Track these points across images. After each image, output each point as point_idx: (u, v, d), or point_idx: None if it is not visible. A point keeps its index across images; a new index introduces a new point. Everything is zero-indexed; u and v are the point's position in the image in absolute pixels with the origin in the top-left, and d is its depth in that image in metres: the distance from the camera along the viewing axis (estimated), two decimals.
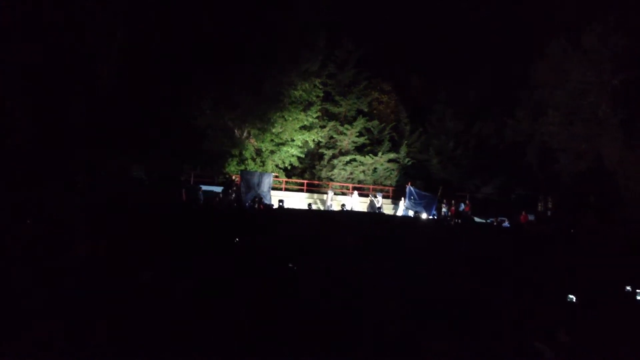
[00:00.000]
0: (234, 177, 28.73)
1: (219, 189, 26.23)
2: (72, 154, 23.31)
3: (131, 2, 26.88)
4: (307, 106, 31.85)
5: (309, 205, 28.72)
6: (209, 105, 29.47)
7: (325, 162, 34.21)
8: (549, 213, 32.37)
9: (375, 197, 29.24)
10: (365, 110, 35.35)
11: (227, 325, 8.91)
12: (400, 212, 28.58)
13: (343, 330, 9.05)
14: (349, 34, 34.98)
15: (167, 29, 27.95)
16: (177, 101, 28.61)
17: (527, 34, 35.41)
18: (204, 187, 26.12)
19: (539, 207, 33.96)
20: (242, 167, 30.04)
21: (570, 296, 11.71)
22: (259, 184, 26.79)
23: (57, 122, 23.78)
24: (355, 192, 30.05)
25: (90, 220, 15.61)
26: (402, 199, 29.11)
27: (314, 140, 32.60)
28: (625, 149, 28.73)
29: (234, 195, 25.24)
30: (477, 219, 28.40)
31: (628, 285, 13.08)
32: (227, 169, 30.28)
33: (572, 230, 24.82)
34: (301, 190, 31.70)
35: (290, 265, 12.77)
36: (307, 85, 31.60)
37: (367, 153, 33.85)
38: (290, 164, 32.70)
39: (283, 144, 31.87)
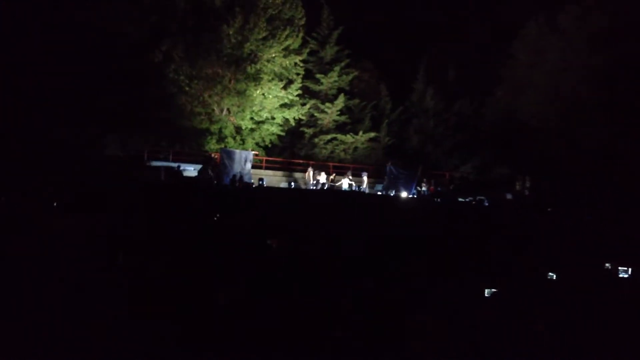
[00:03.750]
0: (212, 155, 28.38)
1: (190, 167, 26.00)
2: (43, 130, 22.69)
3: None
4: (287, 84, 31.48)
5: (289, 183, 28.58)
6: (186, 80, 28.92)
7: (305, 140, 33.98)
8: (526, 192, 32.65)
9: (361, 177, 29.07)
10: (346, 88, 35.08)
11: (204, 307, 8.77)
12: (344, 187, 28.25)
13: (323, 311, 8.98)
14: (330, 10, 34.56)
15: None
16: (154, 76, 28.03)
17: (508, 12, 35.32)
18: (183, 166, 25.84)
19: (517, 186, 34.22)
20: (222, 145, 29.69)
21: (550, 274, 11.82)
22: (239, 162, 26.57)
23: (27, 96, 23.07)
24: (349, 173, 29.26)
25: (64, 201, 15.29)
26: (345, 176, 28.60)
27: (294, 119, 32.31)
28: (604, 128, 28.98)
29: (211, 173, 24.95)
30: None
31: (607, 263, 13.25)
32: (206, 147, 29.89)
33: (549, 209, 25.07)
34: (281, 169, 31.48)
35: (268, 242, 12.68)
36: (287, 62, 31.19)
37: (348, 132, 33.69)
38: (271, 142, 32.42)
39: (263, 122, 31.54)
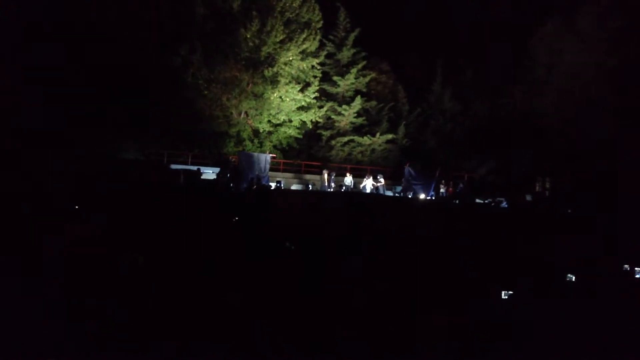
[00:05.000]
0: (231, 158, 28.61)
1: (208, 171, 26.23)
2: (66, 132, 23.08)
3: None
4: (304, 86, 31.62)
5: (307, 185, 28.65)
6: (204, 84, 29.23)
7: (323, 142, 34.08)
8: (547, 194, 32.34)
9: (378, 178, 29.02)
10: (364, 90, 35.11)
11: (221, 310, 8.88)
12: (368, 190, 28.17)
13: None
14: (347, 12, 34.63)
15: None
16: (173, 80, 28.40)
17: (525, 12, 35.04)
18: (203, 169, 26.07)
19: (537, 187, 33.91)
20: (240, 148, 29.91)
21: (570, 275, 11.74)
22: (256, 165, 26.73)
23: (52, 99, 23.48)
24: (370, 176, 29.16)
25: (85, 201, 15.55)
26: (366, 177, 28.49)
27: (311, 121, 32.43)
28: (621, 129, 28.62)
29: (230, 175, 25.15)
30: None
31: (625, 264, 13.12)
32: (224, 150, 30.15)
33: (568, 210, 24.82)
34: (299, 171, 31.60)
35: (287, 244, 12.77)
36: (304, 65, 31.35)
37: (365, 134, 33.71)
38: (288, 145, 32.58)
39: (281, 125, 31.73)
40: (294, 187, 28.72)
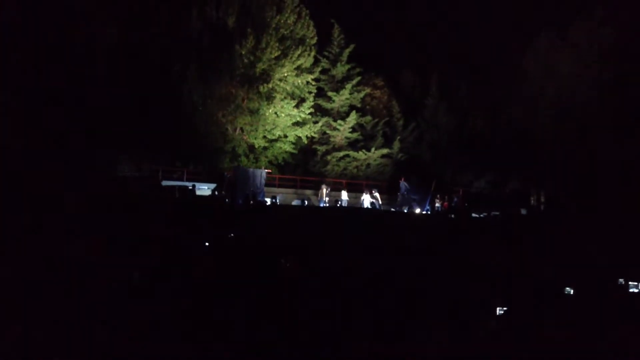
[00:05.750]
0: (226, 174, 28.55)
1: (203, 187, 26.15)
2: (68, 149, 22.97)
3: None
4: (299, 102, 31.72)
5: (303, 201, 28.60)
6: (199, 100, 29.29)
7: (318, 158, 34.12)
8: (541, 207, 32.38)
9: (373, 193, 29.02)
10: (358, 105, 35.25)
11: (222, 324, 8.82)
12: (366, 205, 28.21)
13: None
14: (341, 29, 34.84)
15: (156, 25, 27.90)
16: (168, 97, 28.40)
17: (519, 27, 35.42)
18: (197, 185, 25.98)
19: (532, 201, 33.95)
20: (236, 164, 29.89)
21: (567, 289, 11.73)
22: (252, 180, 26.68)
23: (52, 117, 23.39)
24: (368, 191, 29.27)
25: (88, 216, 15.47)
26: (365, 192, 28.74)
27: (307, 136, 32.50)
28: (616, 142, 28.78)
29: (225, 191, 25.08)
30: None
31: (621, 278, 13.11)
32: (220, 166, 30.11)
33: (563, 224, 24.81)
34: (294, 187, 31.58)
35: (282, 261, 12.71)
36: (299, 81, 31.48)
37: (360, 149, 33.79)
38: (284, 160, 32.60)
39: (276, 140, 31.77)
40: (290, 202, 28.67)
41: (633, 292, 12.28)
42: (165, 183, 25.81)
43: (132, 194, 20.34)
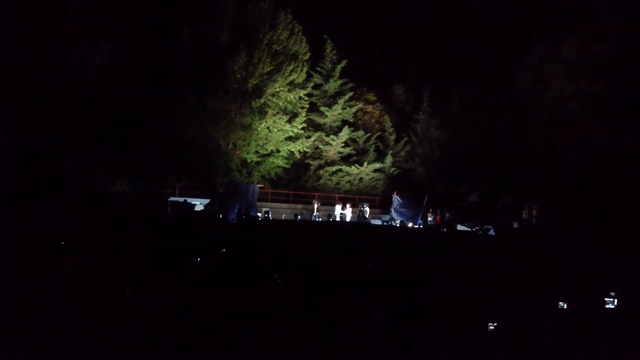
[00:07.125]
0: (219, 189, 28.56)
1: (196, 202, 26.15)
2: (59, 165, 22.94)
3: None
4: (292, 117, 31.88)
5: (296, 215, 28.63)
6: (193, 116, 29.37)
7: (311, 172, 34.21)
8: (533, 221, 32.55)
9: (363, 207, 29.14)
10: (351, 120, 35.43)
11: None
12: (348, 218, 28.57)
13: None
14: (333, 44, 35.09)
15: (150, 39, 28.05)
16: (161, 112, 28.44)
17: (510, 42, 35.72)
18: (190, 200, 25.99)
19: (524, 214, 34.13)
20: (228, 179, 29.90)
21: (561, 303, 11.80)
22: (245, 195, 26.69)
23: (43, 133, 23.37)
24: (348, 205, 29.72)
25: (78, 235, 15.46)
26: (348, 205, 29.21)
27: (299, 151, 32.62)
28: (608, 156, 29.04)
29: (218, 206, 25.09)
30: (461, 227, 28.55)
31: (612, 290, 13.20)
32: (213, 181, 30.10)
33: (555, 237, 24.94)
34: (287, 201, 31.62)
35: (275, 277, 12.73)
36: (292, 96, 31.66)
37: (353, 163, 33.93)
38: (276, 175, 32.66)
39: (268, 155, 31.86)
40: (283, 216, 28.69)
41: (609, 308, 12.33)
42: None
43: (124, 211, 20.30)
